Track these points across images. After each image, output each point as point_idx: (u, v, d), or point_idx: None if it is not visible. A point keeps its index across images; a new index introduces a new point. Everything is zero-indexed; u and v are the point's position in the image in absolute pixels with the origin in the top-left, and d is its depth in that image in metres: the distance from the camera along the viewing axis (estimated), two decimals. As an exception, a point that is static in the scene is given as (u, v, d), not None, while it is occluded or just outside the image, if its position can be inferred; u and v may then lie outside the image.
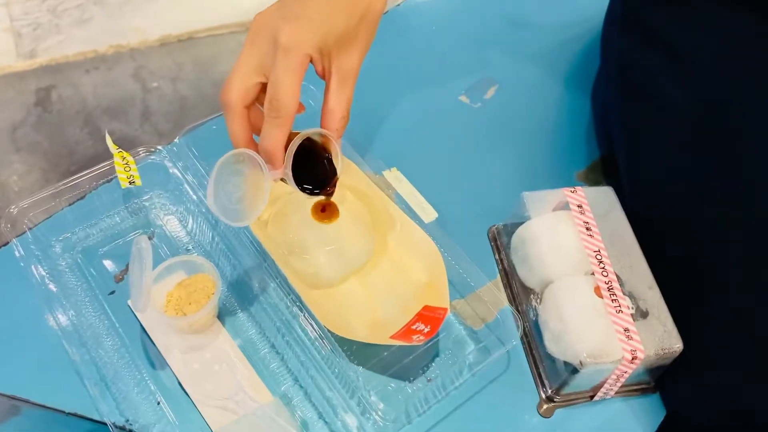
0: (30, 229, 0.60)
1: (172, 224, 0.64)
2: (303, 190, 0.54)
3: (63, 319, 0.57)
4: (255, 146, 0.53)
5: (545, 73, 0.80)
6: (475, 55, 0.82)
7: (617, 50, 0.69)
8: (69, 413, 0.54)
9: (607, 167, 0.72)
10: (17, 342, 0.57)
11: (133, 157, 0.62)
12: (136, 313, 0.58)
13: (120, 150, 0.61)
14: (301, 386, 0.56)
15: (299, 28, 0.49)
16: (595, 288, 0.55)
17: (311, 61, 0.51)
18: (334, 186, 0.56)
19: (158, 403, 0.54)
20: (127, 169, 0.60)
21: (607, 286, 0.55)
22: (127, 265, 0.61)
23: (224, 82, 0.52)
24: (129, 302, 0.58)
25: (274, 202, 0.61)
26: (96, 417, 0.53)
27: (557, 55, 0.82)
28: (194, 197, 0.62)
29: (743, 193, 0.54)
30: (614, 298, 0.54)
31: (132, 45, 1.50)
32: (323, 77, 0.53)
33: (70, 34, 1.49)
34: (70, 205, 0.63)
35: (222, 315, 0.59)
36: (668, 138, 0.61)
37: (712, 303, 0.54)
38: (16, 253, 0.58)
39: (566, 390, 0.56)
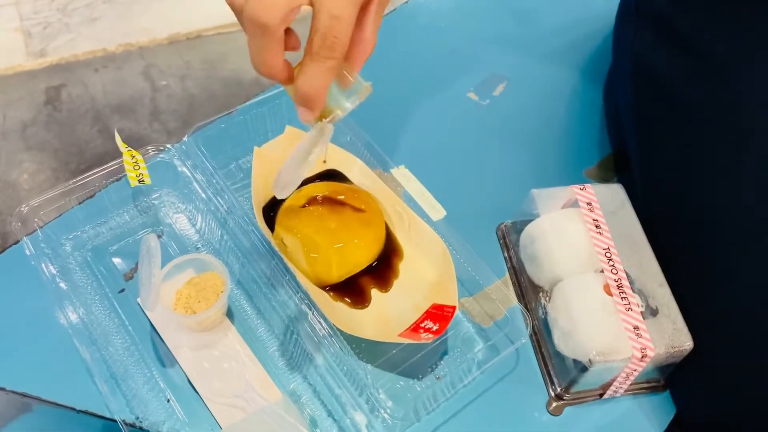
0: (40, 227, 0.61)
1: (181, 222, 0.64)
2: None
3: (73, 317, 0.57)
4: (292, 78, 0.47)
5: (554, 69, 0.80)
6: (483, 51, 0.82)
7: (631, 46, 0.68)
8: (80, 410, 0.54)
9: (617, 164, 0.71)
10: (28, 340, 0.57)
11: (143, 155, 0.62)
12: (145, 311, 0.58)
13: (129, 148, 0.61)
14: (309, 384, 0.56)
15: None
16: (604, 286, 0.55)
17: None
18: None
19: (168, 401, 0.54)
20: (137, 167, 0.60)
21: (617, 283, 0.55)
22: (137, 264, 0.61)
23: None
24: (138, 300, 0.59)
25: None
26: (107, 414, 0.54)
27: (566, 52, 0.82)
28: (203, 195, 0.63)
29: (758, 191, 0.54)
30: (624, 295, 0.54)
31: (141, 43, 1.50)
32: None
33: (80, 32, 1.50)
34: (80, 203, 0.63)
35: (231, 313, 0.59)
36: (682, 135, 0.60)
37: (722, 301, 0.54)
38: (27, 252, 0.59)
39: (575, 388, 0.56)
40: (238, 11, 0.44)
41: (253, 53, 0.44)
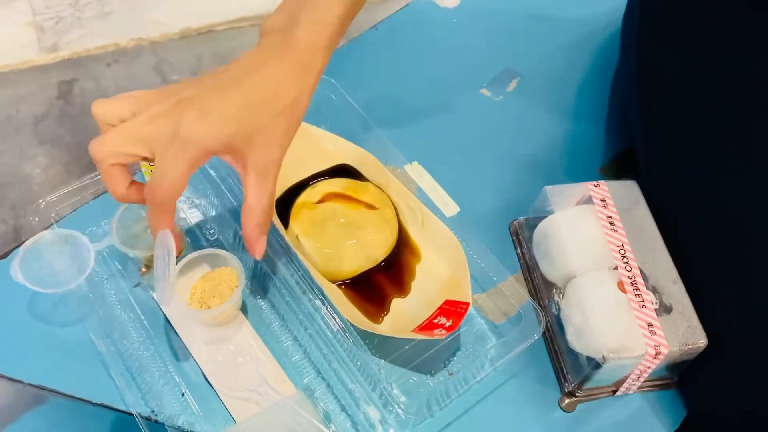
0: (56, 222, 0.61)
1: (195, 217, 0.65)
2: None
3: (89, 311, 0.58)
4: (139, 197, 0.50)
5: (568, 65, 0.80)
6: (496, 47, 0.81)
7: (636, 45, 0.68)
8: (96, 404, 0.55)
9: (630, 161, 0.71)
10: (44, 333, 0.58)
11: (157, 150, 0.62)
12: (161, 305, 0.58)
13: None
14: (323, 379, 0.56)
15: (205, 123, 0.45)
16: (618, 283, 0.55)
17: (218, 155, 0.47)
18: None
19: (183, 395, 0.54)
20: (152, 162, 0.60)
21: (631, 280, 0.55)
22: (152, 256, 0.61)
23: (100, 130, 0.48)
24: (154, 295, 0.59)
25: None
26: (122, 407, 0.54)
27: (579, 47, 0.82)
28: (218, 190, 0.63)
29: (766, 188, 0.54)
30: (638, 293, 0.54)
31: (152, 38, 1.50)
32: (239, 171, 0.49)
33: (92, 27, 1.50)
34: (95, 198, 0.64)
35: (245, 307, 0.59)
36: (688, 133, 0.60)
37: (737, 299, 0.54)
38: (43, 246, 0.59)
39: (588, 385, 0.56)
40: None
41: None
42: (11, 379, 0.56)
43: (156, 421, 0.53)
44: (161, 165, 0.46)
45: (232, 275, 0.57)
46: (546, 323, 0.59)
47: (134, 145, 0.47)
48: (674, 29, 0.64)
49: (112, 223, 0.58)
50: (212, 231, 0.64)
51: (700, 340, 0.53)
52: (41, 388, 0.55)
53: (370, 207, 0.61)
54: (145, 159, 0.48)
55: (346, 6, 0.51)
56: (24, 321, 0.58)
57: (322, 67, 0.51)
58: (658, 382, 0.58)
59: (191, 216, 0.65)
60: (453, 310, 0.56)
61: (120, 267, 0.61)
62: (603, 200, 0.60)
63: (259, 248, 0.51)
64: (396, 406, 0.53)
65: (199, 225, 0.64)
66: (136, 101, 0.48)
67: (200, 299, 0.56)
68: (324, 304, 0.57)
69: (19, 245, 0.58)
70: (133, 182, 0.50)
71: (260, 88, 0.47)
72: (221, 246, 0.62)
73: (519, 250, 0.65)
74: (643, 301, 0.54)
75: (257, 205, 0.49)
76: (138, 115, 0.47)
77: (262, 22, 0.52)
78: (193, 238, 0.63)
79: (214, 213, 0.64)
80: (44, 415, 0.74)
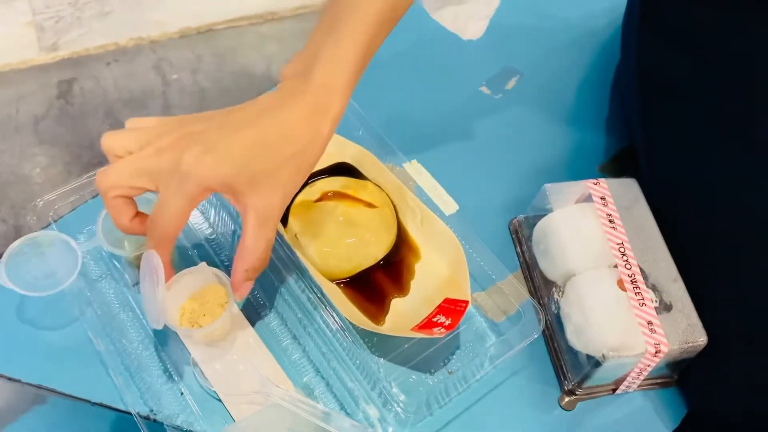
0: (55, 221, 0.61)
1: (194, 216, 0.64)
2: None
3: (88, 310, 0.57)
4: (143, 230, 0.50)
5: (568, 62, 0.80)
6: (495, 45, 0.81)
7: (636, 43, 0.68)
8: (95, 403, 0.55)
9: (630, 159, 0.71)
10: (43, 333, 0.58)
11: (156, 149, 0.62)
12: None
13: (143, 143, 0.61)
14: (322, 377, 0.56)
15: (207, 159, 0.44)
16: (618, 281, 0.55)
17: (218, 192, 0.47)
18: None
19: (182, 394, 0.54)
20: None
21: (631, 279, 0.55)
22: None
23: (107, 161, 0.48)
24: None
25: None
26: (121, 407, 0.54)
27: (579, 45, 0.81)
28: (216, 189, 0.63)
29: (766, 186, 0.54)
30: (638, 291, 0.54)
31: (152, 37, 1.50)
32: (240, 212, 0.48)
33: (92, 26, 1.50)
34: (94, 197, 0.64)
35: (243, 306, 0.59)
36: (688, 133, 0.60)
37: (737, 297, 0.53)
38: (42, 245, 0.59)
39: (588, 383, 0.56)
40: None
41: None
42: (10, 379, 0.56)
43: (155, 421, 0.53)
44: (162, 198, 0.46)
45: (219, 291, 0.55)
46: (545, 321, 0.59)
47: (138, 178, 0.47)
48: (675, 29, 0.64)
49: (98, 224, 0.58)
50: (210, 230, 0.64)
51: (700, 339, 0.53)
52: (40, 387, 0.55)
53: (369, 205, 0.61)
54: (150, 191, 0.47)
55: (364, 46, 0.49)
56: (21, 321, 0.58)
57: (340, 111, 0.48)
58: (658, 381, 0.58)
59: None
60: (452, 308, 0.56)
61: (118, 266, 0.61)
62: (603, 198, 0.59)
63: (243, 292, 0.50)
64: (395, 405, 0.53)
65: (198, 223, 0.64)
66: (145, 133, 0.47)
67: (190, 319, 0.54)
68: (323, 303, 0.56)
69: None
70: (137, 214, 0.49)
71: (270, 130, 0.46)
72: (218, 245, 0.62)
73: (518, 249, 0.65)
74: (642, 299, 0.54)
75: (253, 251, 0.48)
76: (144, 148, 0.47)
77: (283, 67, 0.51)
78: (191, 237, 0.63)
79: (212, 212, 0.64)
80: (44, 415, 0.74)
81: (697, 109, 0.60)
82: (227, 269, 0.57)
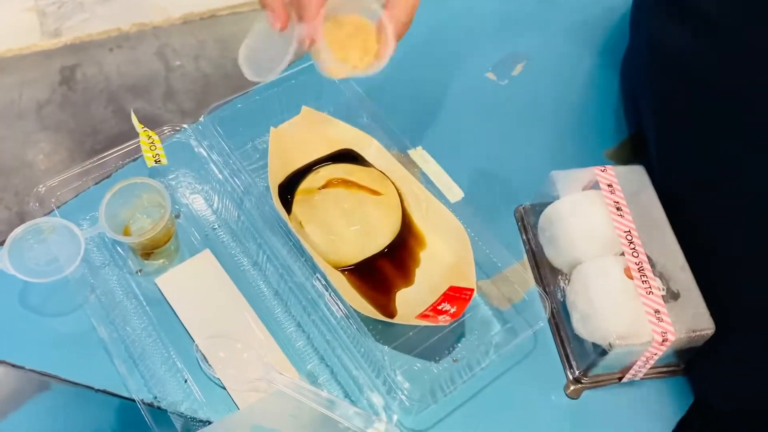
0: (57, 207, 0.61)
1: (198, 203, 0.64)
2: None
3: (91, 297, 0.57)
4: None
5: (574, 48, 0.79)
6: (501, 31, 0.80)
7: (647, 25, 0.67)
8: (98, 390, 0.54)
9: (638, 145, 0.70)
10: (47, 320, 0.58)
11: (158, 135, 0.62)
12: (161, 289, 0.58)
13: (145, 129, 0.61)
14: (327, 365, 0.56)
15: None
16: (625, 269, 0.55)
17: None
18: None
19: (185, 381, 0.54)
20: (153, 147, 0.60)
21: (638, 267, 0.54)
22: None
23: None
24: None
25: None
26: (125, 394, 0.54)
27: (585, 30, 0.80)
28: (219, 176, 0.62)
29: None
30: (645, 279, 0.53)
31: (155, 23, 1.49)
32: None
33: (94, 12, 1.49)
34: (96, 183, 0.63)
35: (248, 294, 0.59)
36: (699, 115, 0.59)
37: (745, 286, 0.53)
38: (45, 232, 0.59)
39: (594, 371, 0.56)
40: None
41: None
42: (14, 366, 0.56)
43: (159, 408, 0.53)
44: None
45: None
46: (551, 309, 0.58)
47: None
48: (688, 8, 0.63)
49: (100, 210, 0.57)
50: (214, 216, 0.63)
51: (708, 327, 0.53)
52: (43, 374, 0.55)
53: (374, 192, 0.61)
54: None
55: None
56: (24, 307, 0.58)
57: None
58: (664, 369, 0.57)
59: (193, 201, 0.64)
60: (457, 296, 0.55)
61: (122, 252, 0.61)
62: (610, 185, 0.59)
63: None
64: (400, 393, 0.53)
65: (202, 210, 0.64)
66: None
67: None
68: (327, 291, 0.56)
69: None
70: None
71: None
72: (224, 231, 0.62)
73: (524, 236, 0.64)
74: (650, 287, 0.53)
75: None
76: None
77: None
78: (195, 224, 0.63)
79: (216, 198, 0.64)
80: (47, 402, 0.74)
81: (712, 93, 0.58)
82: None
